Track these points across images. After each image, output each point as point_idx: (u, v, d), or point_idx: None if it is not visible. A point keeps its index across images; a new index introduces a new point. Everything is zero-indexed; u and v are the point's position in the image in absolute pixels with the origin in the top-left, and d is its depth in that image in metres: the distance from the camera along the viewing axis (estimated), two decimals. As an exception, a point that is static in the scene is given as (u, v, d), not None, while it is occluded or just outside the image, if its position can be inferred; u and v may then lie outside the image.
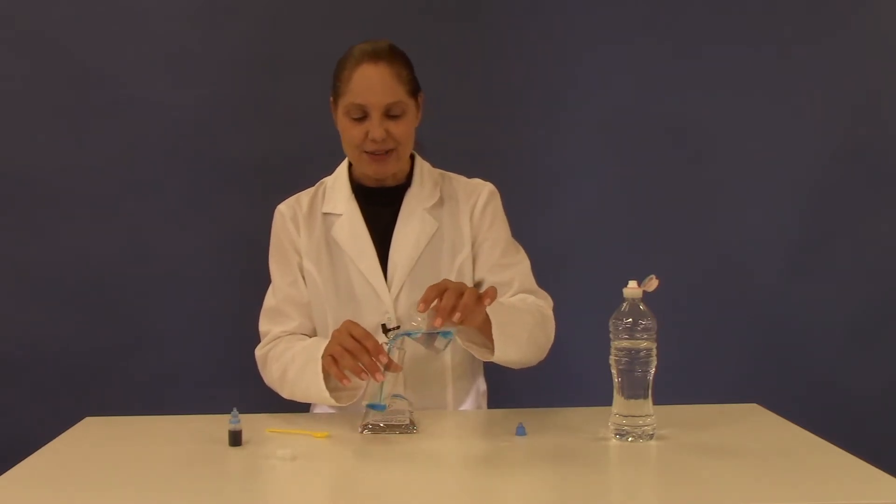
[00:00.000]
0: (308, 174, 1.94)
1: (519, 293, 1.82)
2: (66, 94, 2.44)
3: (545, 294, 1.85)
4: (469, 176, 1.93)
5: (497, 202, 1.89)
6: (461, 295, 1.52)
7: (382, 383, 1.54)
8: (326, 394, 1.64)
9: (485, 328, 1.62)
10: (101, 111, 2.44)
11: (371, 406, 1.56)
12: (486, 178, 1.93)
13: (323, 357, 1.61)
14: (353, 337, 1.55)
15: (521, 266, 1.86)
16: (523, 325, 1.70)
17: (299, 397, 1.74)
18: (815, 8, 2.54)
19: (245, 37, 2.47)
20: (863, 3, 2.56)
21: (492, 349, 1.64)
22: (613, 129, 2.55)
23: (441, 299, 1.52)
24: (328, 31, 2.44)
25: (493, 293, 1.56)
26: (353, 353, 1.54)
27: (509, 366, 1.73)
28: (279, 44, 2.48)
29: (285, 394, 1.76)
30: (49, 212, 2.45)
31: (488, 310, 1.59)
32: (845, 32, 2.55)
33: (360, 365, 1.53)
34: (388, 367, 1.54)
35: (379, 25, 2.33)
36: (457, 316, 1.50)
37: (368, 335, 1.56)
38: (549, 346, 1.78)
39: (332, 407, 1.76)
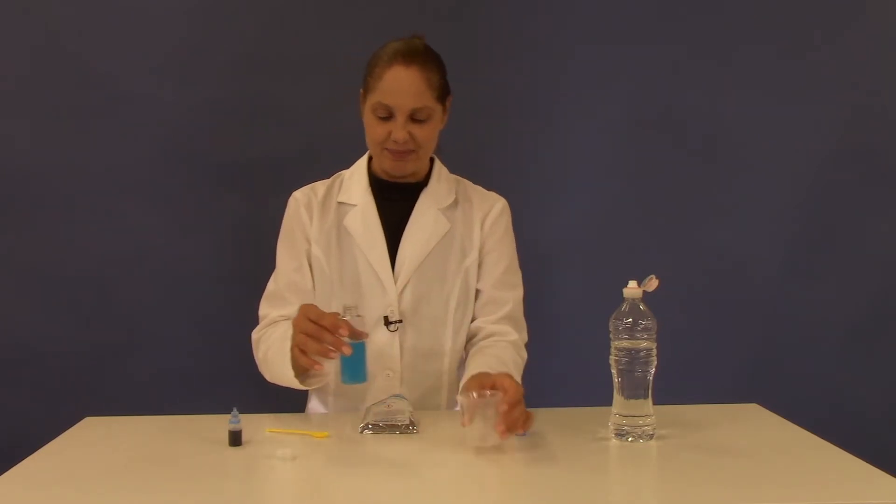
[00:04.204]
0: (308, 174, 1.94)
1: (506, 319, 1.83)
2: (66, 94, 2.44)
3: (524, 326, 1.87)
4: (472, 179, 1.94)
5: (508, 218, 1.91)
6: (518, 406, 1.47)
7: (358, 357, 1.52)
8: (296, 380, 1.63)
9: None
10: (101, 111, 2.44)
11: (350, 381, 1.54)
12: (485, 178, 1.94)
13: (292, 350, 1.60)
14: (310, 320, 1.52)
15: (517, 292, 1.88)
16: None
17: (279, 381, 1.71)
18: (816, 8, 2.54)
19: (245, 37, 2.47)
20: (864, 3, 2.56)
21: None
22: (613, 129, 2.55)
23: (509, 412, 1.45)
24: (328, 31, 2.45)
25: (530, 423, 1.52)
26: (314, 336, 1.51)
27: None
28: (279, 44, 2.48)
29: (268, 377, 1.75)
30: (49, 212, 2.45)
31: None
32: (846, 32, 2.55)
33: (326, 346, 1.51)
34: (353, 335, 1.51)
35: (378, 26, 2.32)
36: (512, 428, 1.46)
37: (324, 313, 1.52)
38: None
39: (329, 406, 1.76)
